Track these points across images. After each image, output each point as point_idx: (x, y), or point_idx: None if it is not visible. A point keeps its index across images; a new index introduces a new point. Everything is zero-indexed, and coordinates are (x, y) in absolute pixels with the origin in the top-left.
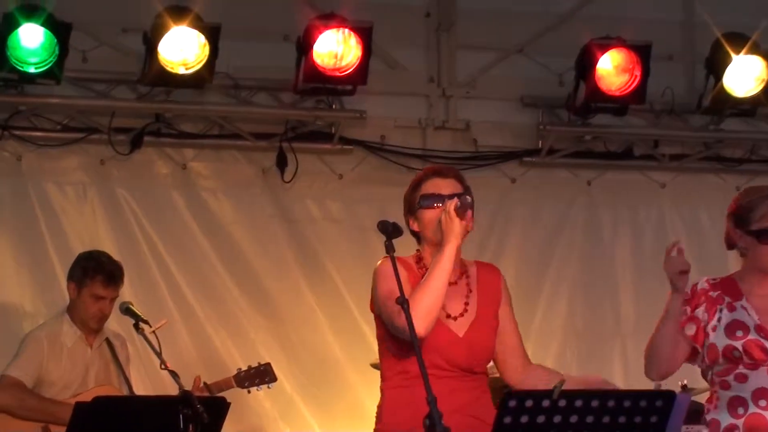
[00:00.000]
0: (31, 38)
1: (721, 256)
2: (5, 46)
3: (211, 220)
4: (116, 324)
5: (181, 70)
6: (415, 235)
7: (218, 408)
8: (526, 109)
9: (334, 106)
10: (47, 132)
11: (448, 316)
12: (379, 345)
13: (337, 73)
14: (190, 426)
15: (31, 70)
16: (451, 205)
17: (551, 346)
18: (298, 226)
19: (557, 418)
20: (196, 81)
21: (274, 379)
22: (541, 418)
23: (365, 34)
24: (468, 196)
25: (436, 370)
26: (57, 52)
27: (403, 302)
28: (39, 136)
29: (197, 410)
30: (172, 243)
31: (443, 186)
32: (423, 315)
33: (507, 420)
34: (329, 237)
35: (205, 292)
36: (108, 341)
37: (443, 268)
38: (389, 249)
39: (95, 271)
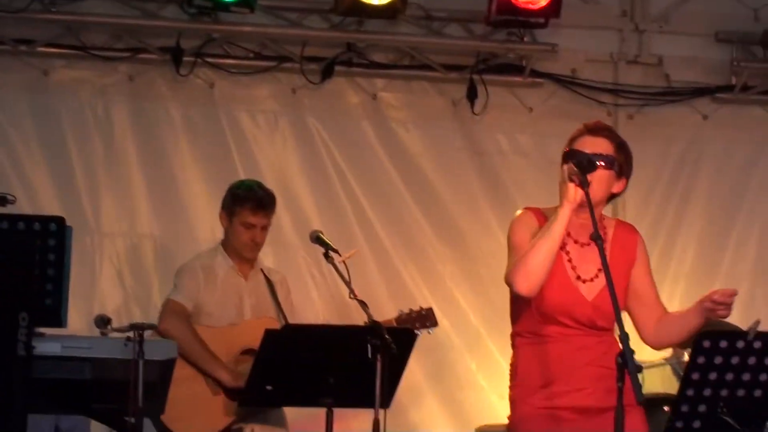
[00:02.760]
0: None
1: None
2: None
3: (401, 151)
4: (305, 252)
5: (374, 0)
6: None
7: (406, 339)
8: (719, 44)
9: (525, 39)
10: (239, 60)
11: (578, 278)
12: (510, 300)
13: (530, 6)
14: (378, 356)
15: None
16: (567, 168)
17: (740, 289)
18: (488, 159)
19: (752, 360)
20: (389, 11)
21: (434, 323)
22: (735, 359)
23: None
24: (585, 161)
25: (563, 329)
26: None
27: None
28: (231, 63)
29: (386, 341)
30: (361, 173)
31: (589, 144)
32: (525, 274)
33: (701, 360)
34: (519, 171)
35: (393, 223)
36: (265, 276)
37: (553, 230)
38: (584, 184)
39: (244, 199)
